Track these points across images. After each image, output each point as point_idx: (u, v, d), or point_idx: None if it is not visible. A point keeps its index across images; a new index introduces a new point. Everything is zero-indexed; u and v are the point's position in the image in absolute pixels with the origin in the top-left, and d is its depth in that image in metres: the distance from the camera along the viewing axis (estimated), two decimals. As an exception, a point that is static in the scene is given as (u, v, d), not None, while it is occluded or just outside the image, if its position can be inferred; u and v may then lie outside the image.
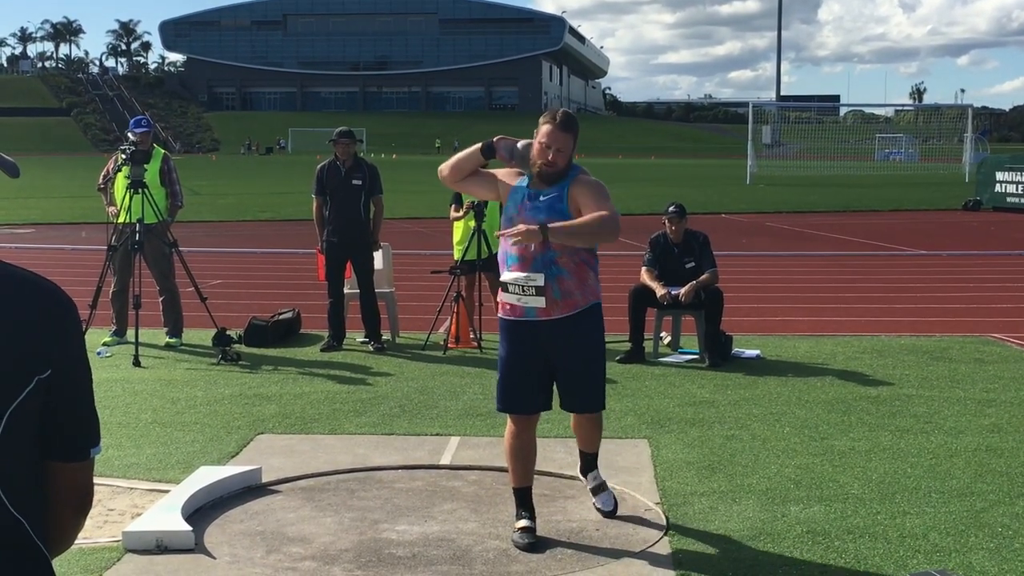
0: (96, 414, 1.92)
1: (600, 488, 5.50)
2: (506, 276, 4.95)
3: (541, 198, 4.94)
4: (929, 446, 6.65)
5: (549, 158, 4.90)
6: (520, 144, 5.01)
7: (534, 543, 5.00)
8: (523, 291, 4.88)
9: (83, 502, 1.92)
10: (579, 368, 5.07)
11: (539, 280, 4.85)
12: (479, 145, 5.02)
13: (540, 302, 4.88)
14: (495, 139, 5.05)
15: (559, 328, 4.95)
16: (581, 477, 5.64)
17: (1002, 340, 10.34)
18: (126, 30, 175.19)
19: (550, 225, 4.77)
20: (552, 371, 5.09)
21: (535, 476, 5.42)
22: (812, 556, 4.86)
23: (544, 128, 4.94)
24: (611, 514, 5.42)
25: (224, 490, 5.70)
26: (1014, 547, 4.95)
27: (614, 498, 5.50)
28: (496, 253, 9.90)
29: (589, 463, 5.52)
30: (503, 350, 5.07)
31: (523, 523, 5.10)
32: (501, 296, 5.04)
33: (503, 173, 5.16)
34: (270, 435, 6.94)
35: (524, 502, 5.19)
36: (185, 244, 11.30)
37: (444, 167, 5.11)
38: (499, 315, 5.10)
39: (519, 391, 5.04)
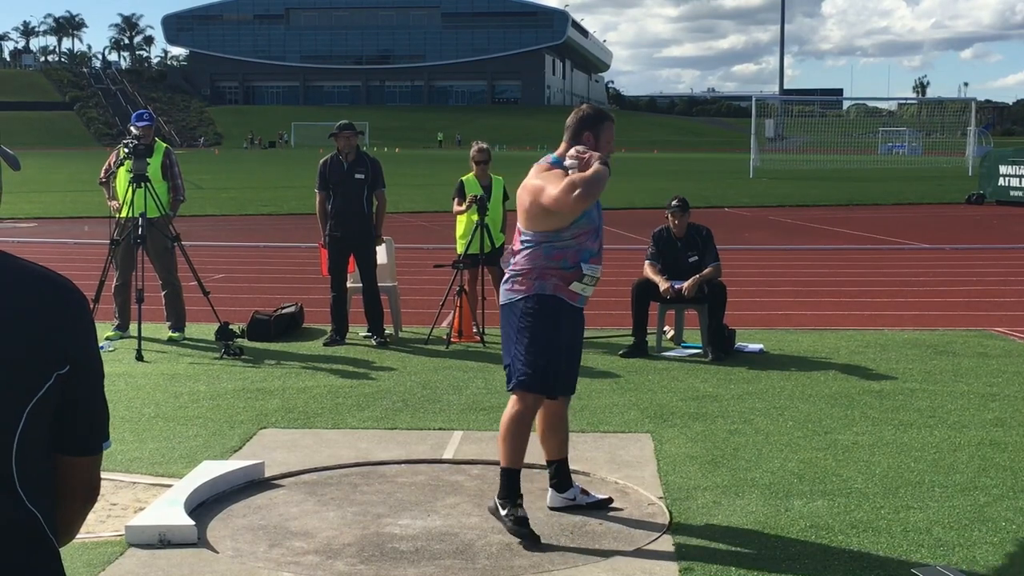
0: (107, 409, 1.95)
1: (585, 492, 5.50)
2: (586, 269, 5.14)
3: None
4: (932, 440, 6.64)
5: (613, 150, 5.31)
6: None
7: (535, 535, 4.99)
8: (592, 282, 5.20)
9: (90, 495, 1.95)
10: (580, 354, 5.45)
11: (601, 271, 5.27)
12: (603, 168, 4.98)
13: (592, 292, 5.28)
14: (601, 155, 5.07)
15: (583, 317, 5.34)
16: (560, 498, 5.46)
17: (1005, 334, 10.33)
18: (128, 24, 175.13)
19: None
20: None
21: (538, 471, 5.43)
22: (815, 550, 4.85)
23: (610, 125, 5.30)
24: (608, 502, 5.44)
25: (227, 484, 5.70)
26: (1018, 542, 4.95)
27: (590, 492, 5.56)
28: (499, 247, 10.01)
29: (565, 475, 5.48)
30: (553, 331, 5.09)
31: (521, 512, 5.09)
32: (572, 286, 5.12)
33: None
34: (273, 429, 6.95)
35: (518, 487, 5.17)
36: (188, 238, 11.30)
37: (590, 197, 4.93)
38: (552, 292, 5.08)
39: (562, 374, 5.19)
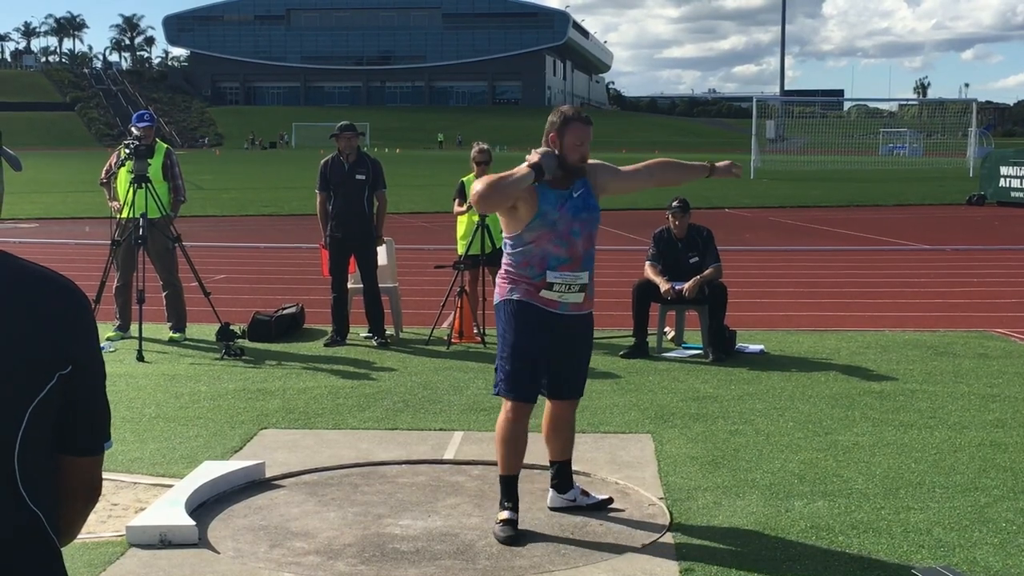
0: (109, 409, 1.95)
1: (585, 493, 5.50)
2: (552, 276, 5.01)
3: (574, 195, 5.08)
4: (933, 441, 6.64)
5: (585, 153, 5.09)
6: (545, 152, 5.03)
7: (514, 537, 4.99)
8: (568, 289, 5.03)
9: (92, 495, 1.96)
10: (583, 358, 5.29)
11: (584, 278, 5.07)
12: (526, 170, 4.91)
13: (579, 298, 5.08)
14: (539, 160, 4.95)
15: (583, 322, 5.18)
16: (561, 499, 5.46)
17: (1006, 335, 10.33)
18: (129, 25, 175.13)
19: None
20: (552, 361, 5.17)
21: (539, 471, 5.41)
22: (816, 551, 4.85)
23: (577, 127, 5.07)
24: (608, 502, 5.44)
25: (228, 485, 5.71)
26: (1018, 542, 4.95)
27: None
28: (499, 248, 9.99)
29: (567, 476, 5.48)
30: (520, 338, 5.03)
31: (505, 514, 5.10)
32: (543, 294, 5.02)
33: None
34: (274, 430, 6.95)
35: (511, 492, 5.17)
36: (188, 239, 11.31)
37: (490, 195, 4.93)
38: (520, 298, 5.03)
39: (534, 379, 5.10)
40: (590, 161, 5.19)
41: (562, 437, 5.39)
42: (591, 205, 5.11)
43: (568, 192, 5.06)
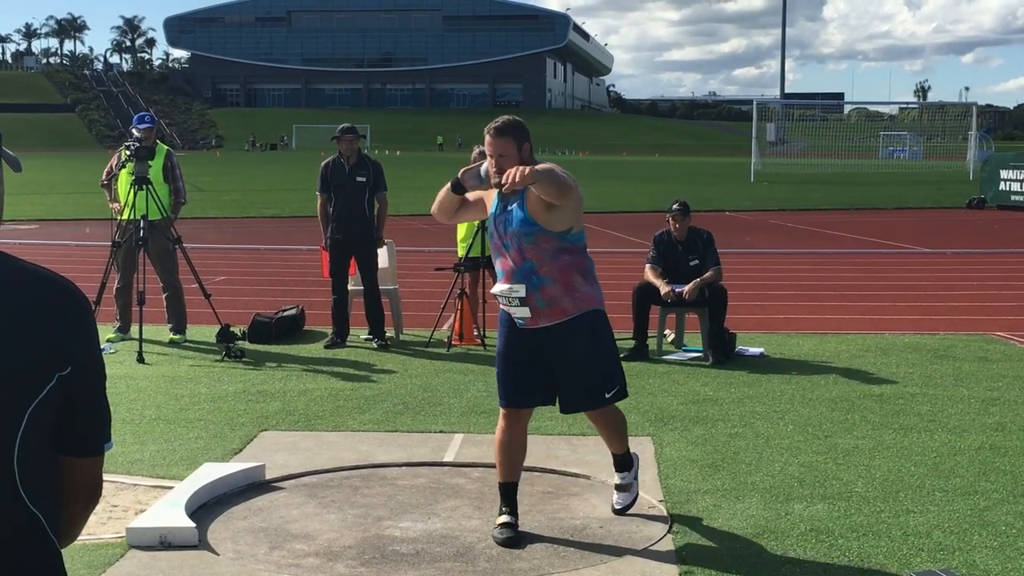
0: (109, 410, 1.95)
1: (623, 488, 5.47)
2: (495, 288, 5.09)
3: (508, 207, 5.00)
4: (933, 444, 6.64)
5: (500, 166, 4.91)
6: (483, 166, 5.01)
7: (513, 538, 5.00)
8: (509, 302, 4.99)
9: (92, 496, 1.96)
10: (571, 371, 5.05)
11: (520, 291, 4.93)
12: (449, 185, 5.11)
13: (525, 312, 4.95)
14: (460, 173, 5.03)
15: (551, 334, 4.99)
16: (615, 474, 5.56)
17: (1006, 338, 10.33)
18: (130, 26, 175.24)
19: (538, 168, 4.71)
20: (550, 371, 5.14)
21: (539, 473, 5.41)
22: (815, 554, 4.86)
23: (487, 139, 5.00)
24: (620, 512, 5.43)
25: (228, 487, 5.71)
26: (1018, 546, 4.95)
27: (632, 501, 5.45)
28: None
29: (619, 462, 5.48)
30: (499, 344, 5.14)
31: (504, 518, 5.11)
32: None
33: (486, 191, 5.20)
34: (274, 432, 6.95)
35: (507, 498, 5.18)
36: (189, 240, 11.31)
37: (434, 211, 5.31)
38: (501, 307, 5.13)
39: (512, 385, 5.08)
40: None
41: (602, 435, 5.43)
42: (519, 219, 4.91)
43: (505, 204, 5.01)
